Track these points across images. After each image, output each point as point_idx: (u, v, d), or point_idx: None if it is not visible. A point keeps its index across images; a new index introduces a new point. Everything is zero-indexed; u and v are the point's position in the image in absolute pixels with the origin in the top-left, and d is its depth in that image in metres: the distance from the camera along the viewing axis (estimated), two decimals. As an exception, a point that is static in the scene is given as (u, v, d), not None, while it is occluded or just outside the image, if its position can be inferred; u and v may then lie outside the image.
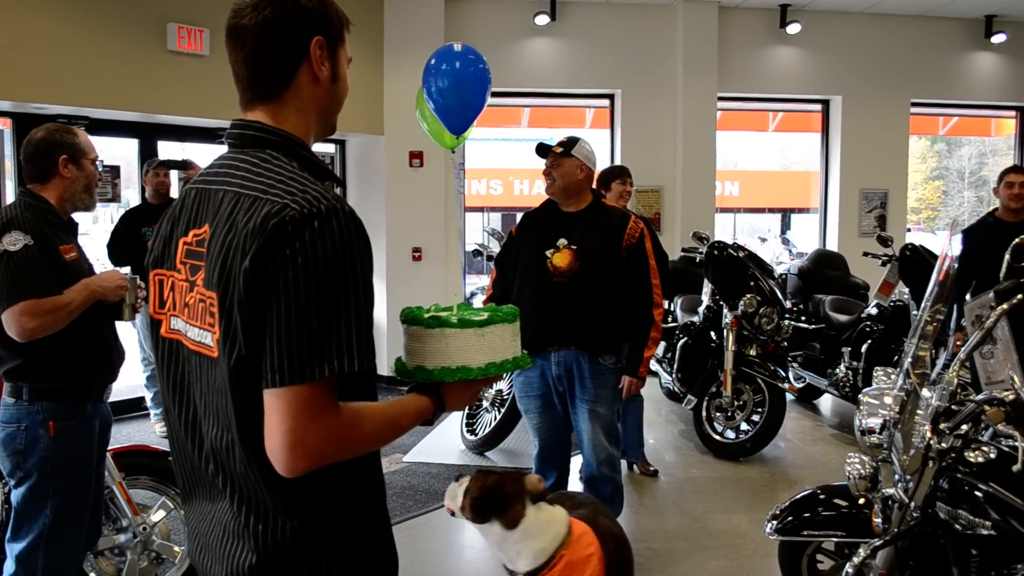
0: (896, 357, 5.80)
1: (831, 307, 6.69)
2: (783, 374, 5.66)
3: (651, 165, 8.14)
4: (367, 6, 7.58)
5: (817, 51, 8.57)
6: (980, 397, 2.25)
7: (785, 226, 16.91)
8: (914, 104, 8.86)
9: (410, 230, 7.81)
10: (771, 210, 16.75)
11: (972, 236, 5.07)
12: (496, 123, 11.38)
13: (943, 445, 2.34)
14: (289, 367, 1.21)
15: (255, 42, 1.39)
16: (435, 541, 4.31)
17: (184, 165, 6.14)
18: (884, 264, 6.23)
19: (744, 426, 5.61)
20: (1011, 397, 2.16)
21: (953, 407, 2.35)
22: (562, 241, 3.64)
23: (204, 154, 7.08)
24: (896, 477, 2.49)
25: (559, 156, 3.70)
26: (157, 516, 3.26)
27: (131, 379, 6.52)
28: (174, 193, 6.03)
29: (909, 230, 9.66)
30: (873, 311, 6.15)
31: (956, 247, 2.51)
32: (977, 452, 2.32)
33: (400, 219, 7.77)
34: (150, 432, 6.04)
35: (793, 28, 8.31)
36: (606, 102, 8.71)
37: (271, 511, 1.32)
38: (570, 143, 3.73)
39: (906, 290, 5.95)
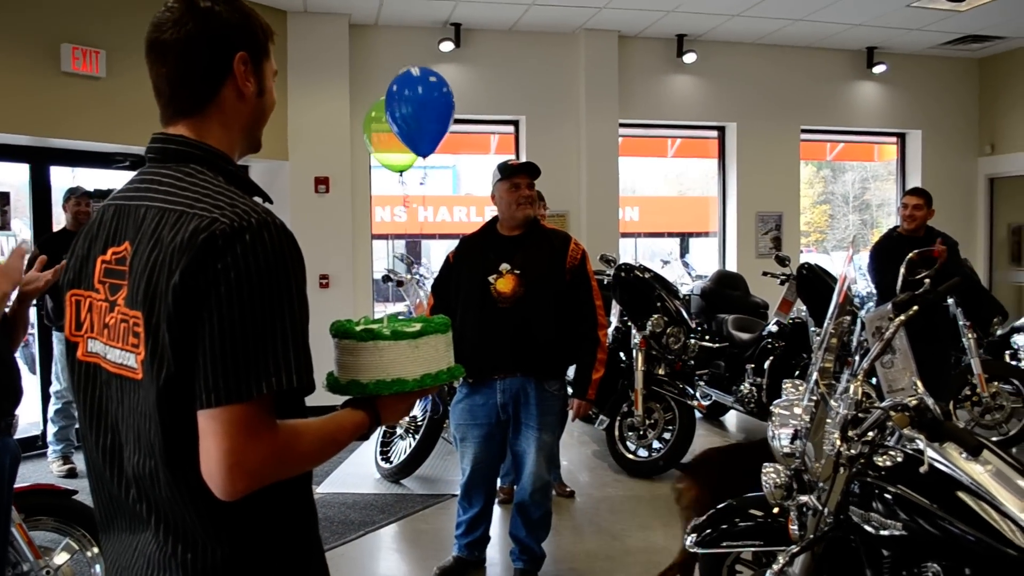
0: (797, 372, 6.02)
1: (733, 326, 6.91)
2: (691, 392, 5.80)
3: (556, 190, 8.23)
4: (269, 31, 7.49)
5: (712, 79, 8.90)
6: (885, 404, 2.36)
7: (684, 249, 17.38)
8: (804, 131, 9.29)
9: (317, 257, 7.68)
10: (670, 234, 17.20)
11: (882, 251, 5.41)
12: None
13: (852, 452, 2.44)
14: (225, 385, 1.17)
15: (177, 58, 1.36)
16: (352, 572, 4.22)
17: (108, 196, 5.95)
18: (782, 283, 6.47)
19: (656, 444, 5.71)
20: (914, 403, 2.27)
21: (860, 415, 2.47)
22: (504, 266, 3.62)
23: (98, 180, 6.82)
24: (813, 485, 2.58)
25: (532, 180, 3.74)
26: (60, 559, 3.09)
27: (26, 416, 6.18)
28: None
29: (802, 251, 10.08)
30: (773, 328, 6.37)
31: (852, 269, 2.65)
32: (885, 457, 2.43)
33: (306, 246, 7.38)
34: (47, 472, 5.72)
35: (689, 57, 8.61)
36: (511, 128, 8.81)
37: (200, 538, 1.27)
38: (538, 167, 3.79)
39: (803, 307, 6.19)
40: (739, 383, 6.46)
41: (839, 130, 9.67)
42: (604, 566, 4.16)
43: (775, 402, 2.78)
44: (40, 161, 6.36)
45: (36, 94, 5.77)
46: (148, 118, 1.43)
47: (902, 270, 2.95)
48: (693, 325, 6.06)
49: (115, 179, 6.92)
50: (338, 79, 7.75)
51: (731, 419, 7.37)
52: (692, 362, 6.12)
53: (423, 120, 5.57)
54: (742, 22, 8.12)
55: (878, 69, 9.12)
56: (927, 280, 2.98)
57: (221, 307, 1.18)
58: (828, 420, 2.50)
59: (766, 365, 6.17)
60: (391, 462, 5.63)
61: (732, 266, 8.97)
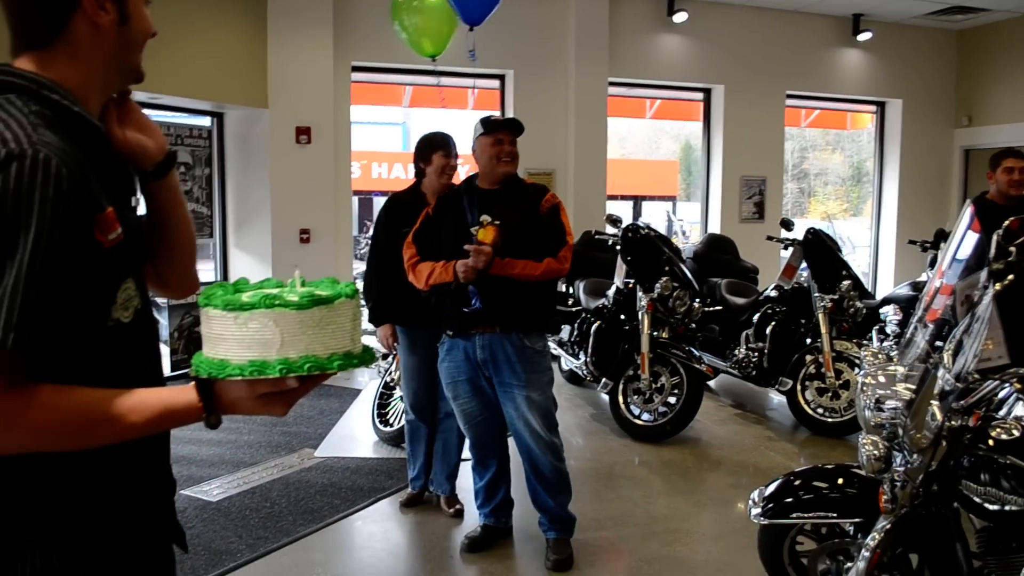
0: (802, 337, 5.98)
1: (727, 290, 6.85)
2: (698, 355, 5.71)
3: (543, 148, 8.06)
4: (252, -30, 7.09)
5: (702, 41, 8.76)
6: (1009, 373, 2.28)
7: (637, 213, 17.34)
8: (789, 96, 9.23)
9: (297, 211, 7.38)
10: (623, 197, 17.15)
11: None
12: (375, 101, 11.00)
13: (954, 423, 2.37)
14: None
15: None
16: (373, 542, 4.04)
17: None
18: (786, 248, 6.41)
19: (661, 409, 5.63)
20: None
21: (969, 386, 2.39)
22: (485, 217, 3.49)
23: None
24: (904, 456, 2.49)
25: (515, 137, 3.64)
26: None
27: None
28: None
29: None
30: (773, 293, 6.32)
31: (964, 222, 2.58)
32: (1000, 430, 2.35)
33: (286, 199, 7.33)
34: None
35: (680, 17, 8.44)
36: (496, 83, 8.56)
37: None
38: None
39: (806, 271, 6.14)
40: (734, 348, 6.42)
41: (822, 96, 9.64)
42: (633, 533, 4.06)
43: (862, 372, 2.69)
44: None
45: None
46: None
47: (995, 237, 2.88)
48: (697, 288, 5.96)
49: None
50: (322, 26, 7.38)
51: (717, 383, 7.33)
52: (694, 325, 6.04)
53: None
54: (737, -18, 7.98)
55: (863, 36, 9.08)
56: (1012, 249, 2.92)
57: None
58: (933, 390, 2.42)
59: (768, 330, 6.12)
60: (390, 425, 5.42)
61: (715, 230, 8.91)
